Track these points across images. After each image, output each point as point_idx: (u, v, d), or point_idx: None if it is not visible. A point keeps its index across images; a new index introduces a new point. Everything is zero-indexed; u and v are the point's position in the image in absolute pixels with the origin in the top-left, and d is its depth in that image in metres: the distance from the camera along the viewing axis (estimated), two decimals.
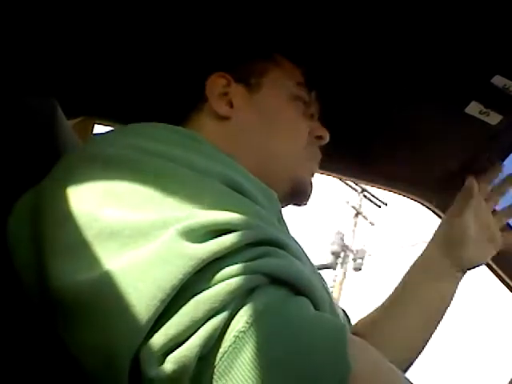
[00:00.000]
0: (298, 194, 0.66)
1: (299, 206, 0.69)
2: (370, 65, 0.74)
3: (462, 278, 0.75)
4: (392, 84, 0.77)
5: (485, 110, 0.76)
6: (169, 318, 0.33)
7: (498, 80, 0.71)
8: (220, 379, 0.32)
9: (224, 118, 0.63)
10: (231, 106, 0.63)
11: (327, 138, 0.70)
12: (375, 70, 0.75)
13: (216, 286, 0.34)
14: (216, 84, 0.64)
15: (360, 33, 0.69)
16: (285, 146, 0.64)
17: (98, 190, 0.40)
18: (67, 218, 0.39)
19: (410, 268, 0.77)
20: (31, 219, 0.42)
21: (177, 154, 0.43)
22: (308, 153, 0.68)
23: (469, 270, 0.75)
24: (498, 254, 0.80)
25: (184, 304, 0.33)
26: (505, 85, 0.71)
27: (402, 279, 0.78)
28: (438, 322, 0.76)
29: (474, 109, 0.76)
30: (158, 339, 0.33)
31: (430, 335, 0.76)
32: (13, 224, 0.43)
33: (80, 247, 0.37)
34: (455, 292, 0.76)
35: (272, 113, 0.65)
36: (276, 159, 0.64)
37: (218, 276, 0.35)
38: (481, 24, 0.64)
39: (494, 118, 0.77)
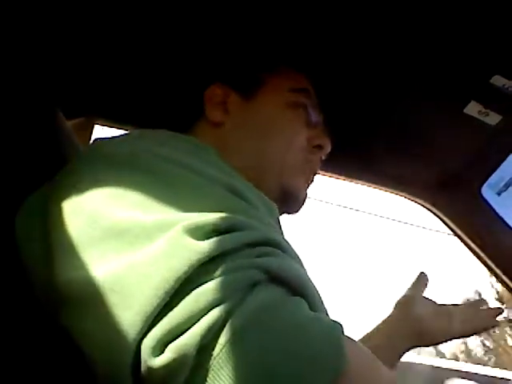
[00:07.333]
0: (288, 202, 0.65)
1: (290, 213, 0.68)
2: (369, 65, 0.74)
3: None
4: (392, 84, 0.77)
5: (484, 110, 0.76)
6: (171, 309, 0.34)
7: (498, 80, 0.71)
8: (219, 371, 0.33)
9: (217, 124, 0.64)
10: (227, 113, 0.64)
11: (328, 148, 0.68)
12: (375, 70, 0.75)
13: (217, 279, 0.35)
14: (214, 94, 0.65)
15: (359, 33, 0.69)
16: (276, 154, 0.63)
17: (108, 191, 0.41)
18: (77, 216, 0.41)
19: (374, 330, 0.80)
20: (41, 218, 0.44)
21: (186, 160, 0.46)
22: (304, 162, 0.66)
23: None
24: (498, 253, 0.80)
25: (186, 295, 0.34)
26: (504, 85, 0.71)
27: (363, 337, 0.79)
28: None
29: (473, 109, 0.76)
30: (160, 329, 0.33)
31: None
32: (22, 223, 0.45)
33: (89, 244, 0.39)
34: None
35: (265, 119, 0.64)
36: (266, 166, 0.63)
37: (220, 270, 0.36)
38: (480, 23, 0.65)
39: (493, 118, 0.77)
